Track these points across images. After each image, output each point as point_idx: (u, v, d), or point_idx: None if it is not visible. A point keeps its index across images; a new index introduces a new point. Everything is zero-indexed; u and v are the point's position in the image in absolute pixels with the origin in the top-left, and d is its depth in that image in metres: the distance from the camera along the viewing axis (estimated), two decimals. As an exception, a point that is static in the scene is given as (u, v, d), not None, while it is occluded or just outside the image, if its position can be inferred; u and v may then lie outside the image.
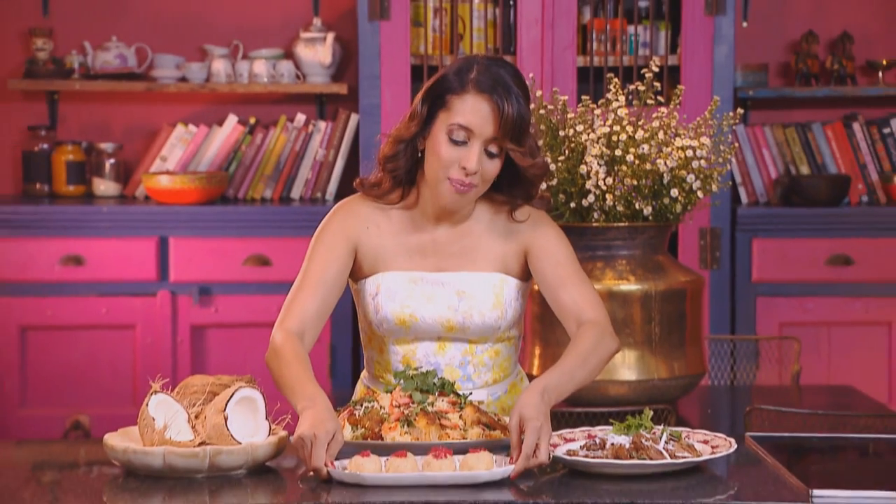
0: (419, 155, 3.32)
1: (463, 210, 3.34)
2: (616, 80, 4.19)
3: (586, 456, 3.01)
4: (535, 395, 3.05)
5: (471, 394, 3.28)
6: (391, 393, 3.19)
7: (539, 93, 4.24)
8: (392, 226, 3.38)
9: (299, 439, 2.97)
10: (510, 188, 3.35)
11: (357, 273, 3.40)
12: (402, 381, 3.20)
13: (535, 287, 3.53)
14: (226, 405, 3.03)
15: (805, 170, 6.18)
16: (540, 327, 4.08)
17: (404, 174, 3.34)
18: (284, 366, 3.17)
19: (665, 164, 4.01)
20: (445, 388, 3.18)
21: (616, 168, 4.05)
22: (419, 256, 3.38)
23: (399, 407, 3.15)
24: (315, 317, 3.29)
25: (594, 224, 4.08)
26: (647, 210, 4.06)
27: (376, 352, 3.44)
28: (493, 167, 3.26)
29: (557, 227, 3.42)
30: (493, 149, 3.24)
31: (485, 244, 3.38)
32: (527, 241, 3.39)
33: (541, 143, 3.72)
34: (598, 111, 4.14)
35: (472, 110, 3.22)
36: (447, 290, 3.36)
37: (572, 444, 3.09)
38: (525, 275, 3.42)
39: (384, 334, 3.39)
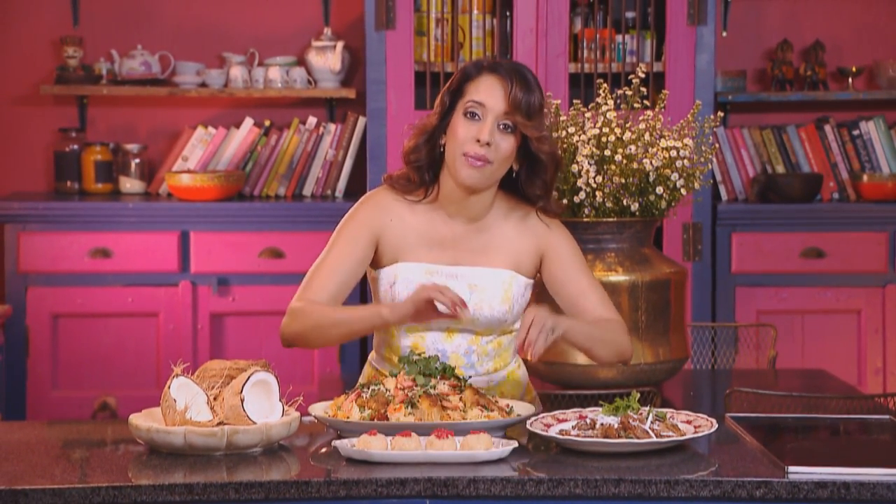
0: (440, 150, 3.30)
1: (480, 187, 3.28)
2: (605, 85, 4.17)
3: (578, 435, 3.00)
4: (543, 308, 3.17)
5: (470, 377, 3.27)
6: (396, 377, 3.18)
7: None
8: (415, 219, 3.34)
9: (424, 297, 3.15)
10: (527, 181, 3.33)
11: (377, 262, 3.36)
12: (406, 366, 3.19)
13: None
14: (242, 388, 3.02)
15: (780, 169, 6.16)
16: (534, 315, 4.06)
17: (427, 167, 3.32)
18: (324, 313, 3.26)
19: (651, 163, 4.00)
20: (447, 372, 3.17)
21: (605, 167, 4.04)
22: (438, 250, 3.34)
23: (403, 390, 3.14)
24: (330, 299, 3.29)
25: (585, 219, 4.07)
26: (634, 206, 4.05)
27: (387, 336, 3.40)
28: (507, 144, 3.25)
29: (569, 234, 3.41)
30: (507, 122, 3.24)
31: (499, 242, 3.36)
32: (542, 244, 3.37)
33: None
34: (588, 114, 4.13)
35: (485, 88, 3.25)
36: (460, 282, 3.33)
37: (564, 424, 3.07)
38: (534, 273, 3.40)
39: (398, 322, 3.37)
